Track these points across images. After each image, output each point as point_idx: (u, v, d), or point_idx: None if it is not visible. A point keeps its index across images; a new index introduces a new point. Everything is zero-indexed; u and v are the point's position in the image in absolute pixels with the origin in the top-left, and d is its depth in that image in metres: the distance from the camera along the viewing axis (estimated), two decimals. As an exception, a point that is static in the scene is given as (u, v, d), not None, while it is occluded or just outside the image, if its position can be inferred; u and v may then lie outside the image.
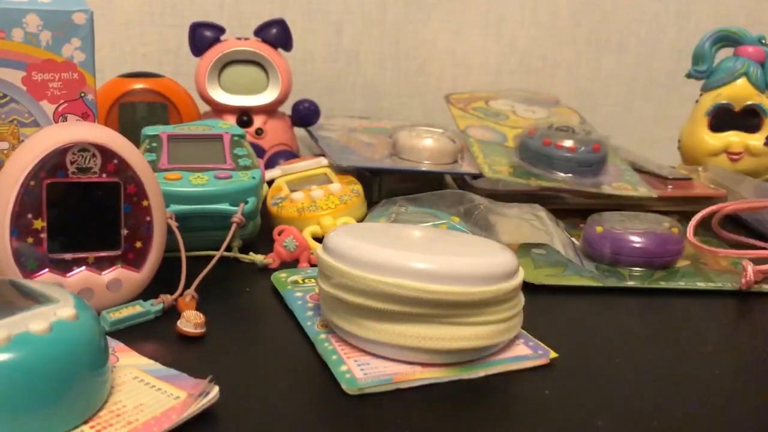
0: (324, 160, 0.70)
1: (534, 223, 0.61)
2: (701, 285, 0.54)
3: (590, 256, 0.58)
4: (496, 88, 1.05)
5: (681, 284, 0.54)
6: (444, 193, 0.64)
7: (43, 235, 0.42)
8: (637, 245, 0.56)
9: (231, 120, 0.77)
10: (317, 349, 0.41)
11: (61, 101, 0.51)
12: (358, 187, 0.66)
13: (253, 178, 0.54)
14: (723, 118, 0.81)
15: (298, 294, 0.48)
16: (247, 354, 0.41)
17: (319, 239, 0.60)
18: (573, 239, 0.61)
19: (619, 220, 0.59)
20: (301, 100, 0.81)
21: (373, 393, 0.37)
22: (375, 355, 0.40)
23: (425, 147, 0.71)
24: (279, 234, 0.55)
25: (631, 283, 0.54)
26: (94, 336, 0.33)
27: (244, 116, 0.78)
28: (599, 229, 0.58)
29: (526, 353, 0.41)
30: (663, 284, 0.54)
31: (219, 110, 0.78)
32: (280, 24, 0.79)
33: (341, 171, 0.69)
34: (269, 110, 0.79)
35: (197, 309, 0.45)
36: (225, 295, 0.49)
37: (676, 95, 1.10)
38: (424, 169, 0.71)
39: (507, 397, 0.38)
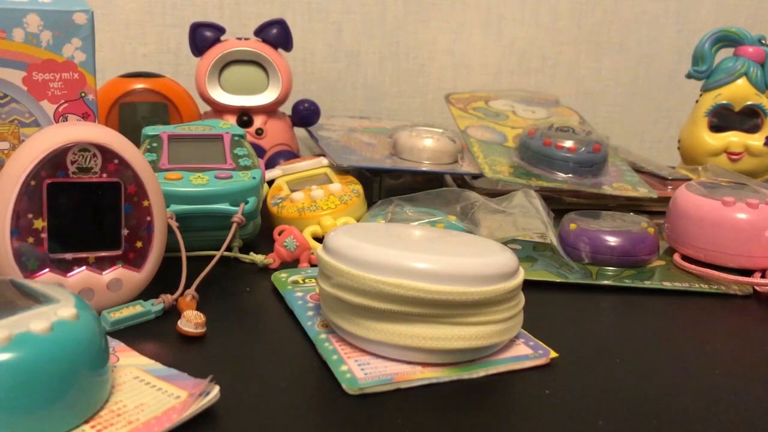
0: (324, 160, 0.70)
1: (530, 212, 0.60)
2: (679, 286, 0.54)
3: (566, 253, 0.58)
4: (496, 88, 1.05)
5: (655, 284, 0.54)
6: (440, 192, 0.64)
7: (44, 235, 0.42)
8: (611, 244, 0.56)
9: (231, 120, 0.77)
10: (317, 349, 0.41)
11: (62, 101, 0.51)
12: (359, 187, 0.66)
13: (254, 178, 0.54)
14: (723, 118, 0.81)
15: (299, 294, 0.48)
16: (247, 354, 0.41)
17: (319, 239, 0.60)
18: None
19: (594, 219, 0.59)
20: (301, 100, 0.81)
21: (373, 393, 0.37)
22: (375, 355, 0.40)
23: (425, 147, 0.71)
24: (279, 234, 0.55)
25: (605, 282, 0.53)
26: (95, 336, 0.33)
27: (245, 116, 0.78)
28: (573, 226, 0.58)
29: (527, 353, 0.41)
30: (647, 283, 0.54)
31: (219, 110, 0.78)
32: (281, 24, 0.79)
33: (341, 171, 0.69)
34: (269, 110, 0.79)
35: (197, 309, 0.45)
36: (225, 295, 0.49)
37: (676, 95, 1.10)
38: (424, 169, 0.71)
39: (507, 397, 0.38)
